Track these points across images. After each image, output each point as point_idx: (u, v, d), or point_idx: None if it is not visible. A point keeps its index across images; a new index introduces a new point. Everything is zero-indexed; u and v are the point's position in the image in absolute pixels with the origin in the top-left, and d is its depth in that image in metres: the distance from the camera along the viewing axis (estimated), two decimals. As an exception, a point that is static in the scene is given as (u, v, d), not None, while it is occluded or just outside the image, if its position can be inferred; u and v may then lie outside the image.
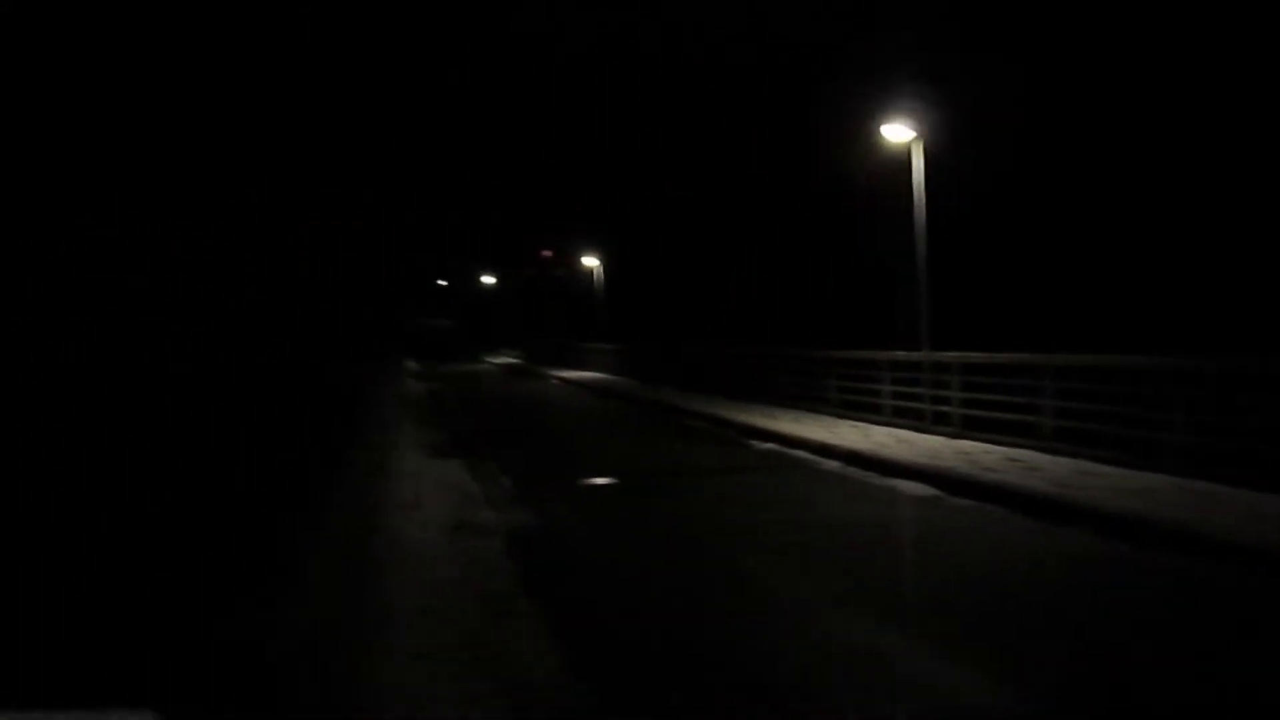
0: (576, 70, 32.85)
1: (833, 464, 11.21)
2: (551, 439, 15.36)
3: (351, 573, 6.37)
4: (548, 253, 52.54)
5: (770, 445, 13.09)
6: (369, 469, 10.92)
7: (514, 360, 46.66)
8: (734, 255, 27.10)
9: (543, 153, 41.62)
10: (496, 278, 62.29)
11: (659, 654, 4.79)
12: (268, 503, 8.76)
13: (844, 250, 22.04)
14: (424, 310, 62.64)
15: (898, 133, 13.40)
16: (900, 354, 13.87)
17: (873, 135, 13.92)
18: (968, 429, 12.01)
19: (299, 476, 10.45)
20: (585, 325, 38.29)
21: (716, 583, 6.19)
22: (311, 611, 5.51)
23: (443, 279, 70.93)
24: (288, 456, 11.95)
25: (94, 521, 7.72)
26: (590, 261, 37.31)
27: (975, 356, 12.18)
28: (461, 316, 62.38)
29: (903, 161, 13.60)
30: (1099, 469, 9.27)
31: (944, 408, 12.60)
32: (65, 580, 5.96)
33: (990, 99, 16.74)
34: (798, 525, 7.86)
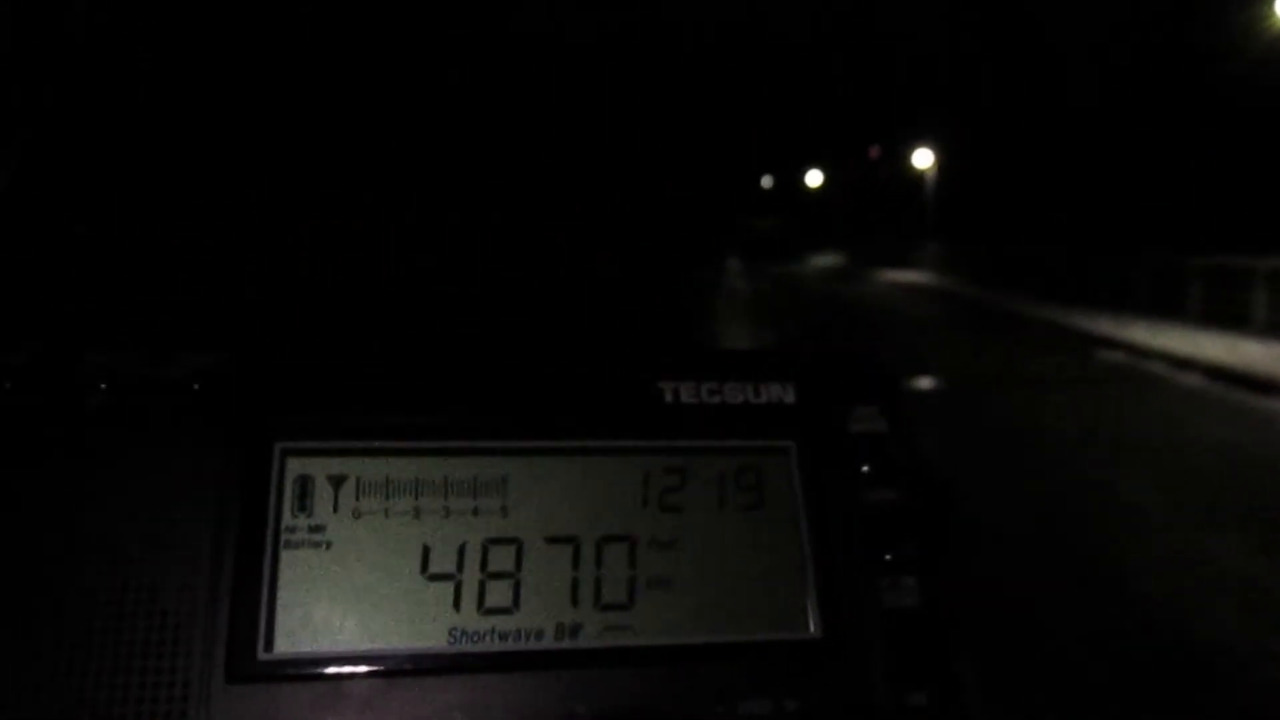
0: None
1: (1192, 379, 10.31)
2: (879, 341, 15.11)
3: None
4: (875, 150, 51.10)
5: (1118, 355, 12.21)
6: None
7: (839, 261, 46.09)
8: (1076, 152, 25.12)
9: (875, 47, 40.23)
10: (822, 177, 61.45)
11: (1012, 551, 4.67)
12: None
13: (1207, 147, 19.85)
14: (748, 210, 62.97)
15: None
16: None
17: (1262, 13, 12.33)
18: (1360, 346, 10.63)
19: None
20: (913, 226, 37.07)
21: (1067, 495, 5.91)
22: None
23: (767, 178, 70.88)
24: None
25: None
26: (921, 160, 35.91)
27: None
28: (786, 216, 62.18)
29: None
30: None
31: (1332, 322, 11.22)
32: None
33: None
34: (1154, 443, 7.32)
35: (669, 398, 0.68)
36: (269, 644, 0.59)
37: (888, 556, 0.66)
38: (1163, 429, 7.96)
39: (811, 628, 0.65)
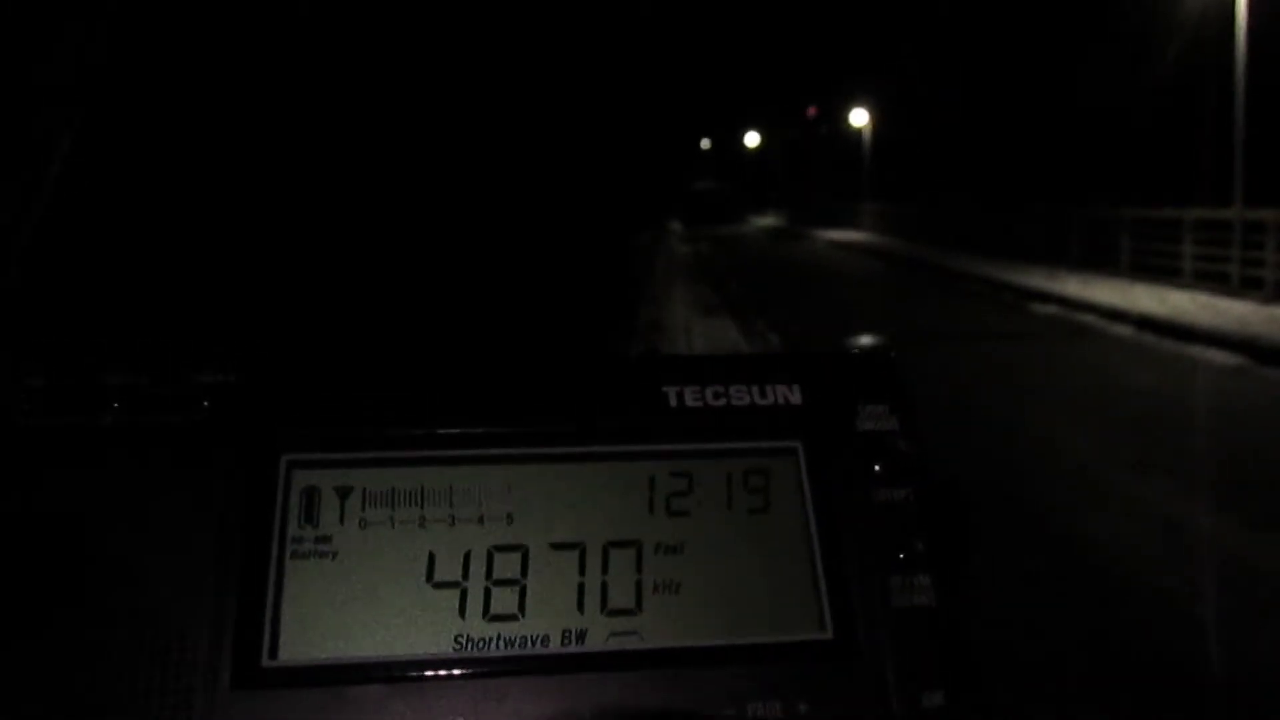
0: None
1: (1124, 329, 10.55)
2: (820, 299, 15.23)
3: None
4: (813, 110, 51.26)
5: (1052, 309, 12.45)
6: (645, 325, 11.25)
7: (779, 222, 46.28)
8: (1013, 106, 25.36)
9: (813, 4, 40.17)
10: (760, 138, 61.52)
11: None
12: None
13: (1143, 96, 20.15)
14: (688, 172, 62.82)
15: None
16: (1206, 212, 12.71)
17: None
18: (1283, 294, 10.94)
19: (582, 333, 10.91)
20: (851, 185, 37.32)
21: (1009, 445, 6.03)
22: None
23: (706, 140, 70.72)
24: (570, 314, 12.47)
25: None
26: (858, 119, 36.09)
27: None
28: (726, 178, 62.19)
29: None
30: None
31: (1257, 271, 11.52)
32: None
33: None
34: (1087, 391, 7.49)
35: (673, 401, 0.68)
36: (274, 651, 0.59)
37: (901, 555, 0.66)
38: (1092, 375, 8.15)
39: (823, 629, 0.63)
